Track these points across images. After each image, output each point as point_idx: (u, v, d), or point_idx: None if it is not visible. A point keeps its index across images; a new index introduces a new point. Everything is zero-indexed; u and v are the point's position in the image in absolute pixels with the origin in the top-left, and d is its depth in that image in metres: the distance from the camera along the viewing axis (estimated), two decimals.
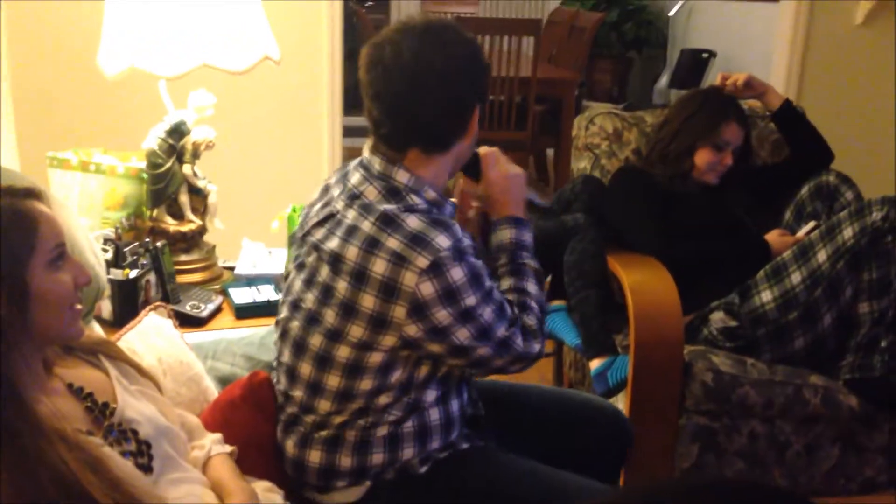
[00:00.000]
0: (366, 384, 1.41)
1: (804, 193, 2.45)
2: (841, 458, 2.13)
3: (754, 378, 2.06)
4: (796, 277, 2.10)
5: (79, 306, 1.19)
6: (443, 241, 1.36)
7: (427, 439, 1.47)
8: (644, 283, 2.13)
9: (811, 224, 2.35)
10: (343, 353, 1.41)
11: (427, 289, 1.35)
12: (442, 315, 1.36)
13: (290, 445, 1.49)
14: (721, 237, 2.30)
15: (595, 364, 2.20)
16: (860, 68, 3.40)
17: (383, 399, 1.43)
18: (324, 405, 1.45)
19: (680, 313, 2.08)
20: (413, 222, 1.38)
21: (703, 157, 2.35)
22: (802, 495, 0.58)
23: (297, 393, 1.48)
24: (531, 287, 1.52)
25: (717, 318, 2.17)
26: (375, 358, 1.40)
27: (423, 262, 1.34)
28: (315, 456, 1.46)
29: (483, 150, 1.58)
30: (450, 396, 1.50)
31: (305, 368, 1.46)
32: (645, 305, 2.08)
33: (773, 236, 2.32)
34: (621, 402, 2.12)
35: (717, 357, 2.09)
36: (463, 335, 1.39)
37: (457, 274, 1.37)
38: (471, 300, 1.38)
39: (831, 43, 3.37)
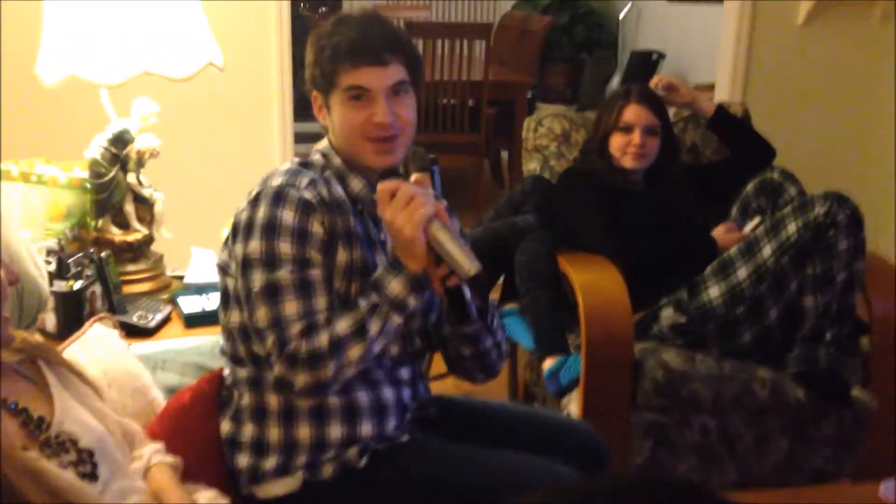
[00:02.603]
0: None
1: (749, 190, 2.49)
2: (791, 450, 2.17)
3: (703, 373, 2.09)
4: (742, 273, 2.14)
5: (6, 313, 1.17)
6: (276, 180, 1.42)
7: (356, 420, 1.44)
8: (594, 282, 2.15)
9: (756, 220, 2.39)
10: (234, 316, 1.44)
11: (241, 214, 1.42)
12: (238, 247, 1.40)
13: (224, 426, 1.49)
14: (668, 234, 2.33)
15: (548, 364, 2.21)
16: (803, 66, 3.48)
17: None
18: (241, 373, 1.46)
19: (630, 311, 2.10)
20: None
21: (614, 144, 2.38)
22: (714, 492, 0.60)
23: (227, 372, 1.51)
24: (373, 330, 1.36)
25: (667, 314, 2.20)
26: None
27: (253, 192, 1.42)
28: (248, 430, 1.45)
29: (379, 185, 1.39)
30: (380, 382, 1.48)
31: (225, 346, 1.49)
32: (595, 304, 2.09)
33: (719, 232, 2.35)
34: (574, 401, 2.14)
35: (668, 353, 2.11)
36: (245, 282, 1.39)
37: (260, 214, 1.38)
38: (255, 246, 1.38)
39: (774, 42, 3.44)
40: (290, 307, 1.35)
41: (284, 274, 1.36)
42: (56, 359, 1.29)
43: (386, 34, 1.44)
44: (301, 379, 1.34)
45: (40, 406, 1.18)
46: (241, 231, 1.41)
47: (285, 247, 1.37)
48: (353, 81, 1.41)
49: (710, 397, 2.09)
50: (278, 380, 1.36)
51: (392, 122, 1.42)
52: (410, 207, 1.33)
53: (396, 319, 1.38)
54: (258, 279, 1.37)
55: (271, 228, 1.37)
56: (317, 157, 1.50)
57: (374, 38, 1.42)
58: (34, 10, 2.14)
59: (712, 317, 2.15)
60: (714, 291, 2.15)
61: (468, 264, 1.32)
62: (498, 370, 1.61)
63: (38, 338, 1.58)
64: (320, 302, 1.37)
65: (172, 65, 2.06)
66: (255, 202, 1.41)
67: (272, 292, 1.36)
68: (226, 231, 2.18)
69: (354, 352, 1.35)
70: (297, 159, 1.51)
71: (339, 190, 1.46)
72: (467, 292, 1.43)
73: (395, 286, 1.36)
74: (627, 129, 2.36)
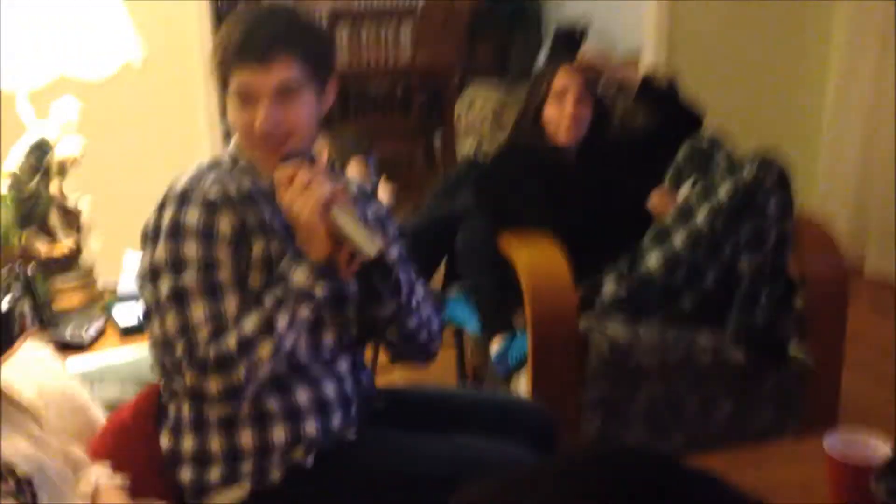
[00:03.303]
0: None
1: (680, 157, 2.52)
2: (735, 411, 2.21)
3: (647, 342, 2.12)
4: (678, 239, 2.17)
5: None
6: (180, 183, 1.39)
7: (298, 420, 1.42)
8: (535, 259, 2.16)
9: (688, 184, 2.43)
10: (156, 328, 1.36)
11: (149, 222, 1.39)
12: (146, 256, 1.38)
13: (164, 440, 1.45)
14: (603, 205, 2.35)
15: (495, 346, 2.22)
16: (726, 27, 3.54)
17: None
18: (175, 385, 1.37)
19: (572, 287, 2.12)
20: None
21: (548, 114, 2.38)
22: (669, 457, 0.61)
23: (161, 385, 1.46)
24: (280, 325, 1.33)
25: (609, 286, 2.22)
26: None
27: (160, 198, 1.40)
28: (188, 441, 1.42)
29: (276, 171, 1.37)
30: (320, 378, 1.45)
31: (154, 360, 1.41)
32: (538, 282, 2.11)
33: (654, 198, 2.38)
34: (523, 379, 2.15)
35: (612, 327, 2.14)
36: (155, 291, 1.35)
37: (165, 218, 1.36)
38: (161, 252, 1.35)
39: (696, 6, 3.49)
40: (198, 312, 1.32)
41: (190, 278, 1.33)
42: None
43: (275, 31, 1.37)
44: (213, 385, 1.30)
45: None
46: (149, 239, 1.38)
47: (191, 249, 1.34)
48: (237, 83, 1.37)
49: (656, 365, 2.12)
50: (190, 390, 1.33)
51: (272, 128, 1.37)
52: (307, 191, 1.32)
53: (304, 311, 1.35)
54: (165, 285, 1.34)
55: (176, 232, 1.34)
56: (225, 157, 1.47)
57: (258, 37, 1.36)
58: None
59: (652, 285, 2.18)
60: (652, 260, 2.18)
61: (369, 245, 1.31)
62: (433, 350, 1.60)
63: None
64: (229, 304, 1.34)
65: (90, 65, 2.00)
66: (161, 208, 1.38)
67: (179, 298, 1.33)
68: None
69: (264, 350, 1.32)
70: (205, 160, 1.47)
71: (249, 184, 1.42)
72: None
73: (298, 276, 1.33)
74: (560, 96, 2.35)
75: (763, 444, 2.05)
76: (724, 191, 2.13)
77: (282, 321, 1.33)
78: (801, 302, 2.26)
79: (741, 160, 2.18)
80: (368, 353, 1.89)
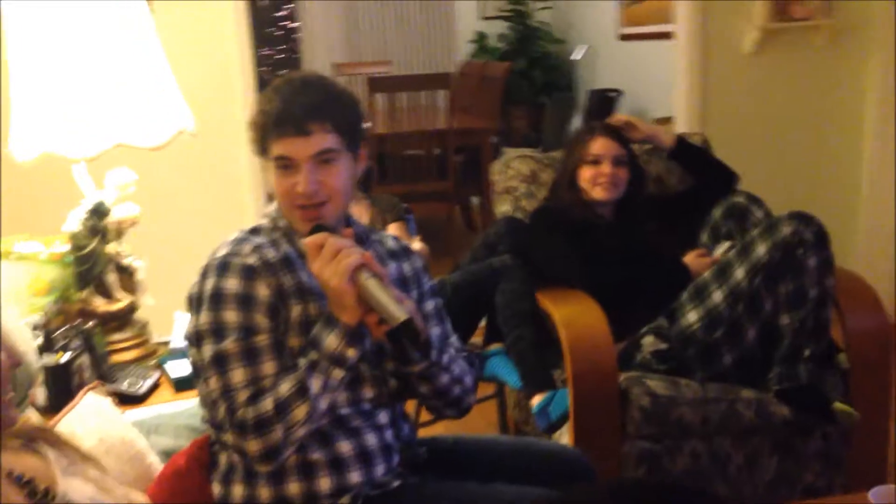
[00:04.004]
0: None
1: (717, 215, 2.56)
2: (780, 467, 2.20)
3: (689, 398, 2.13)
4: (718, 296, 2.19)
5: (10, 394, 1.18)
6: (221, 251, 1.46)
7: (343, 470, 1.46)
8: (574, 315, 2.19)
9: (726, 244, 2.46)
10: (203, 386, 1.44)
11: (193, 289, 1.46)
12: (191, 322, 1.45)
13: (215, 488, 1.49)
14: (639, 264, 2.38)
15: (536, 401, 2.23)
16: (755, 92, 3.59)
17: None
18: (224, 437, 1.44)
19: (611, 342, 2.14)
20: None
21: (583, 176, 2.47)
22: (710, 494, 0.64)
23: (212, 437, 1.52)
24: (314, 387, 1.38)
25: (649, 342, 2.24)
26: None
27: (203, 266, 1.47)
28: (237, 490, 1.46)
29: (306, 239, 1.42)
30: (361, 429, 1.49)
31: (204, 414, 1.50)
32: (577, 338, 2.13)
33: (691, 258, 2.41)
34: (565, 435, 2.16)
35: (652, 381, 2.15)
36: (199, 354, 1.42)
37: (208, 286, 1.43)
38: (204, 318, 1.42)
39: (725, 72, 3.56)
40: (238, 375, 1.39)
41: (231, 343, 1.39)
42: (53, 439, 1.30)
43: (312, 102, 1.45)
44: (252, 446, 1.37)
45: (45, 478, 1.18)
46: (193, 305, 1.46)
47: (231, 315, 1.40)
48: (279, 151, 1.45)
49: (698, 421, 2.12)
50: (233, 447, 1.40)
51: (314, 191, 1.45)
52: (336, 259, 1.36)
53: (338, 373, 1.40)
54: (208, 350, 1.41)
55: (217, 299, 1.41)
56: (265, 221, 1.55)
57: (297, 108, 1.43)
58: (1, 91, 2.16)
59: (693, 341, 2.19)
60: (692, 316, 2.20)
61: (397, 312, 1.35)
62: (467, 405, 1.64)
63: (34, 418, 1.58)
64: (267, 367, 1.40)
65: (146, 134, 2.09)
66: (203, 275, 1.46)
67: (220, 362, 1.39)
68: None
69: (299, 412, 1.37)
70: (246, 227, 1.55)
71: (287, 248, 1.49)
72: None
73: (331, 341, 1.39)
74: (596, 162, 2.44)
75: (810, 501, 2.03)
76: (763, 248, 2.16)
77: (316, 384, 1.38)
78: (844, 360, 2.26)
79: (779, 218, 2.20)
80: (411, 405, 1.92)
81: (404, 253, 1.66)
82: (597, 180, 2.44)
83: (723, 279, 2.20)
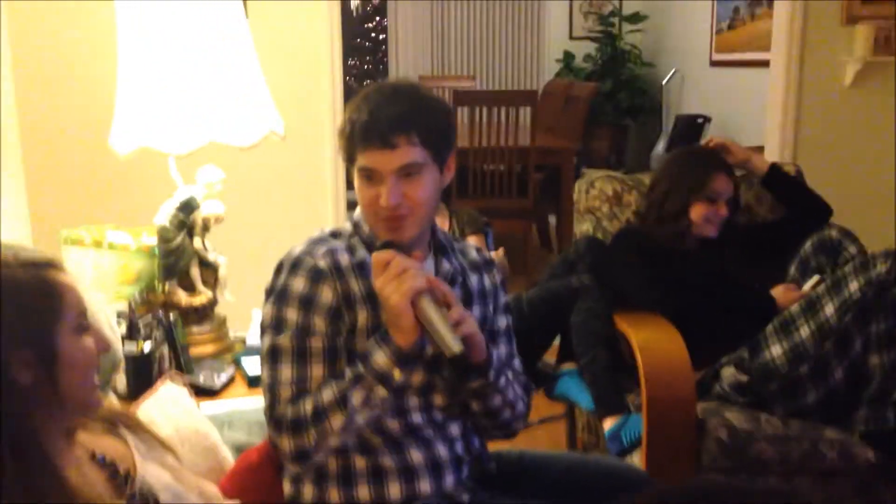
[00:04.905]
0: None
1: (808, 248, 2.48)
2: None
3: (769, 433, 2.05)
4: (805, 331, 2.11)
5: (97, 380, 1.21)
6: (297, 249, 1.48)
7: (413, 478, 1.46)
8: (653, 340, 2.15)
9: (816, 278, 2.38)
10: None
11: (269, 282, 1.49)
12: (260, 313, 1.49)
13: (286, 487, 1.50)
14: (724, 293, 2.32)
15: (608, 424, 2.19)
16: (853, 126, 3.48)
17: None
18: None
19: (690, 370, 2.09)
20: None
21: (697, 212, 2.40)
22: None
23: None
24: (355, 401, 1.37)
25: (729, 373, 2.18)
26: None
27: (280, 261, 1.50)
28: (308, 491, 1.47)
29: (373, 255, 1.41)
30: (433, 439, 1.49)
31: None
32: (655, 363, 2.08)
33: (779, 291, 2.34)
34: (637, 459, 2.11)
35: (731, 413, 2.08)
36: (261, 345, 1.46)
37: (279, 282, 1.45)
38: (268, 311, 1.45)
39: (822, 104, 3.46)
40: (286, 372, 1.40)
41: (286, 339, 1.41)
42: (134, 425, 1.33)
43: (400, 115, 1.41)
44: (285, 443, 1.38)
45: (125, 462, 1.20)
46: (265, 298, 1.49)
47: (291, 313, 1.42)
48: (364, 162, 1.43)
49: (777, 458, 2.05)
50: (270, 440, 1.42)
51: (397, 203, 1.42)
52: (400, 278, 1.34)
53: (381, 392, 1.37)
54: (266, 341, 1.44)
55: (283, 295, 1.44)
56: (347, 225, 1.55)
57: (384, 121, 1.40)
58: (107, 86, 2.24)
59: (775, 376, 2.12)
60: (776, 350, 2.13)
61: (451, 344, 1.33)
62: (515, 429, 1.61)
63: (116, 403, 1.62)
64: (315, 370, 1.41)
65: (238, 134, 2.14)
66: (278, 271, 1.48)
67: (273, 355, 1.42)
68: None
69: (335, 422, 1.36)
70: (327, 228, 1.56)
71: (364, 254, 1.49)
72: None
73: (379, 358, 1.37)
74: (713, 199, 2.39)
75: None
76: (854, 285, 2.08)
77: (357, 398, 1.37)
78: None
79: (874, 255, 2.12)
80: None
81: (486, 265, 1.65)
82: (711, 219, 2.39)
83: (811, 314, 2.12)
